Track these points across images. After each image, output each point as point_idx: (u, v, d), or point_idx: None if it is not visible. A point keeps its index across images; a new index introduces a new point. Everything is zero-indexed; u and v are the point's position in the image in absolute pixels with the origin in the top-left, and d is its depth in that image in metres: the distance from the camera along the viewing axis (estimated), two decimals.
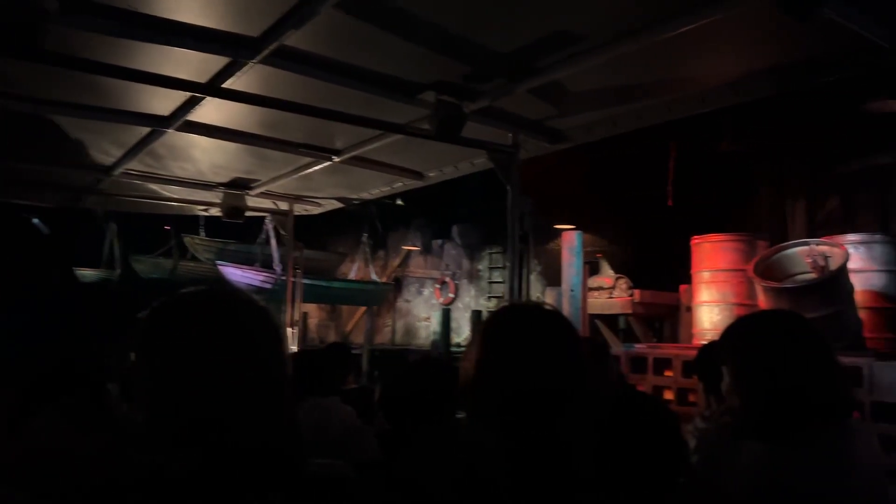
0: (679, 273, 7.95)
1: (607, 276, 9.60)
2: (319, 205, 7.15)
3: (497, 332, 1.37)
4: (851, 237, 6.88)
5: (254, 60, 3.38)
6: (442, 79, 3.80)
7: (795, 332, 1.75)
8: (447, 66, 3.65)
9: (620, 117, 4.29)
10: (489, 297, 16.39)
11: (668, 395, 6.38)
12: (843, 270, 6.01)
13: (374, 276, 16.53)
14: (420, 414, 2.18)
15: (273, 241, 12.84)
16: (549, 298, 8.59)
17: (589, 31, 3.26)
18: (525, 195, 4.48)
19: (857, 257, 6.51)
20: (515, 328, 1.36)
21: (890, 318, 6.72)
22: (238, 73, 3.57)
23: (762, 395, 1.68)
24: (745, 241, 7.20)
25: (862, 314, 6.37)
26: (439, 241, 17.95)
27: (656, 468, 1.55)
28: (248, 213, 6.76)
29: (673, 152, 8.87)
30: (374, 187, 6.39)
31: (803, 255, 6.35)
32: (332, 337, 18.73)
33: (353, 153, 5.02)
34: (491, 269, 16.59)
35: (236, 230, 10.43)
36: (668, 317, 9.23)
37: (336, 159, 5.12)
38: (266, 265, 13.58)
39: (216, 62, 3.55)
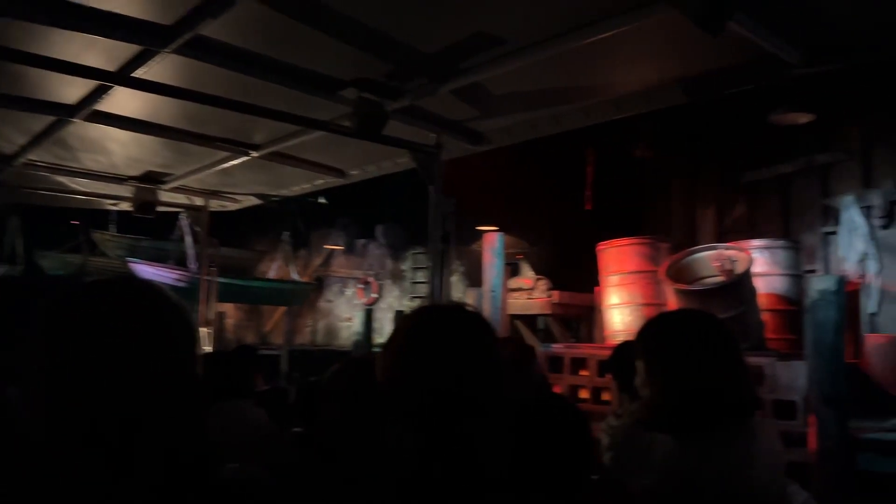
0: (596, 275, 8.16)
1: (527, 277, 9.73)
2: (237, 201, 6.96)
3: (415, 331, 1.35)
4: (756, 242, 7.23)
5: (166, 49, 3.26)
6: (364, 76, 3.76)
7: (708, 332, 1.81)
8: (369, 64, 3.62)
9: (540, 121, 4.36)
10: (412, 298, 16.37)
11: (584, 394, 6.53)
12: (747, 274, 6.30)
13: (294, 276, 16.25)
14: (338, 415, 2.14)
15: (188, 238, 12.45)
16: (470, 299, 8.64)
17: (510, 35, 3.30)
18: (447, 196, 4.50)
19: (760, 261, 6.84)
20: (434, 328, 1.34)
21: (790, 320, 7.09)
22: (150, 63, 3.43)
23: (675, 392, 1.73)
24: (649, 244, 7.47)
25: (764, 316, 6.69)
26: (363, 241, 17.81)
27: (566, 467, 1.57)
28: (162, 209, 6.52)
29: (591, 157, 9.09)
30: (295, 184, 6.28)
31: (711, 259, 6.62)
32: (250, 338, 18.28)
33: (273, 149, 4.91)
34: (415, 269, 16.58)
35: (151, 226, 10.03)
36: (585, 317, 9.45)
37: (254, 154, 4.99)
38: (180, 263, 13.14)
39: (126, 50, 3.40)
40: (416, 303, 15.74)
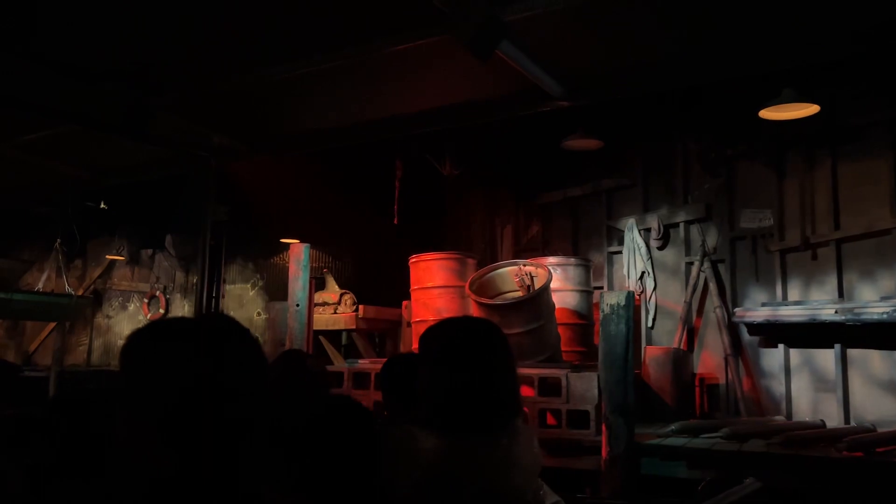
0: (402, 289, 8.11)
1: (333, 291, 9.52)
2: None
3: (151, 345, 1.26)
4: (552, 259, 7.59)
5: None
6: (128, 68, 3.29)
7: (483, 336, 1.91)
8: (135, 55, 3.18)
9: (327, 133, 4.19)
10: None
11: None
12: (546, 289, 6.56)
13: (68, 289, 14.51)
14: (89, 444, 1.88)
15: None
16: (270, 313, 8.21)
17: (300, 40, 3.08)
18: (221, 203, 4.18)
19: (555, 277, 7.17)
20: (169, 341, 1.25)
21: (581, 333, 7.52)
22: None
23: (445, 391, 1.81)
24: (457, 259, 7.61)
25: (559, 329, 7.01)
26: (149, 251, 16.35)
27: (350, 475, 1.64)
28: None
29: (399, 172, 9.06)
30: (56, 185, 5.48)
31: (513, 274, 6.82)
32: (10, 357, 16.04)
33: (23, 141, 4.20)
34: None
35: None
36: (391, 332, 9.39)
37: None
38: None
39: None
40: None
